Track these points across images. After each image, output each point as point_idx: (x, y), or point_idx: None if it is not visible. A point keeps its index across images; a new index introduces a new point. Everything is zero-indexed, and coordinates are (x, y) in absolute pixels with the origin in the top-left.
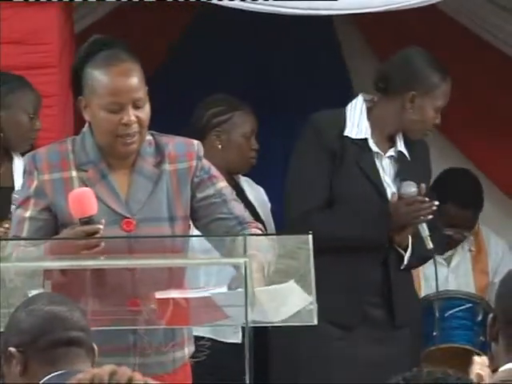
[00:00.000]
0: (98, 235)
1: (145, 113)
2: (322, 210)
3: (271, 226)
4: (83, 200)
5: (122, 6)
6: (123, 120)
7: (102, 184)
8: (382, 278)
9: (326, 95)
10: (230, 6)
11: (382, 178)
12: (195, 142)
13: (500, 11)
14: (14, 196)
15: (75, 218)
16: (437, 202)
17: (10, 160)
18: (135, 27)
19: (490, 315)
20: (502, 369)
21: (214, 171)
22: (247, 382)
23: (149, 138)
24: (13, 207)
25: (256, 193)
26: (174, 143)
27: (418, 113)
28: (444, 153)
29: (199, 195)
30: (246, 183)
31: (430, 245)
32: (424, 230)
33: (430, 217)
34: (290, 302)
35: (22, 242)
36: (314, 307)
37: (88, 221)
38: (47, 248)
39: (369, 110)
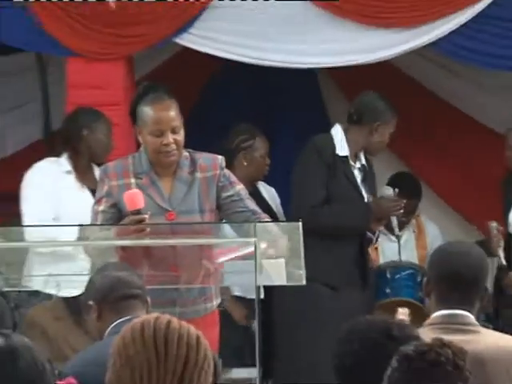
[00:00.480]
0: (144, 223)
1: (180, 136)
2: (322, 205)
3: (282, 215)
4: (134, 198)
5: (164, 63)
6: (164, 142)
7: (152, 187)
8: (359, 254)
9: (309, 125)
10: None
11: (358, 183)
12: (219, 157)
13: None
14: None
15: (128, 211)
16: (404, 201)
17: (91, 169)
18: (176, 75)
19: (425, 278)
20: (432, 316)
21: (233, 178)
22: (256, 325)
23: (186, 154)
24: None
25: (269, 192)
26: (203, 158)
27: (380, 137)
28: (391, 163)
29: (223, 195)
30: (262, 186)
31: (397, 231)
32: (394, 220)
33: (401, 211)
34: (282, 272)
35: (97, 228)
36: (303, 272)
37: (137, 212)
38: (113, 232)
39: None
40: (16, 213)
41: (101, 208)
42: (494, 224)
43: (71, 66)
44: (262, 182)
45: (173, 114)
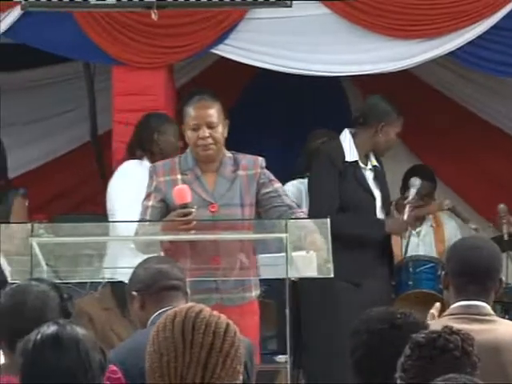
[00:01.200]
0: (191, 216)
1: (217, 132)
2: (337, 213)
3: None
4: (182, 192)
5: (202, 72)
6: (200, 135)
7: (197, 182)
8: (383, 248)
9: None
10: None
11: (370, 184)
12: (260, 158)
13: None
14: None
15: (176, 204)
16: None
17: None
18: (214, 83)
19: (443, 272)
20: (451, 307)
21: (272, 176)
22: (287, 316)
23: (229, 155)
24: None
25: None
26: (245, 158)
27: (385, 137)
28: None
29: (262, 191)
30: None
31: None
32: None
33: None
34: (313, 265)
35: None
36: (331, 266)
37: (185, 206)
38: (161, 226)
39: (353, 139)
40: (63, 210)
41: (150, 203)
42: (502, 205)
43: (116, 74)
44: None
45: (210, 111)
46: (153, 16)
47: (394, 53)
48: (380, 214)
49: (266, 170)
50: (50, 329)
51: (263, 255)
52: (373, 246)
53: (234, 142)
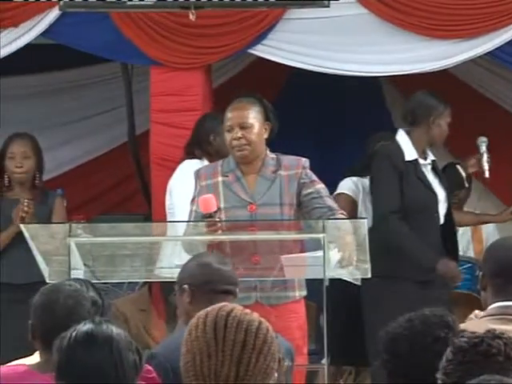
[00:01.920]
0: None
1: (250, 133)
2: (399, 216)
3: None
4: (206, 202)
5: (240, 72)
6: (233, 136)
7: (237, 183)
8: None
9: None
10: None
11: (430, 181)
12: (303, 158)
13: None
14: None
15: (202, 213)
16: None
17: None
18: (251, 83)
19: (481, 272)
20: (489, 308)
21: (314, 177)
22: (324, 316)
23: (273, 155)
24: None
25: None
26: (288, 159)
27: (438, 129)
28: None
29: (304, 192)
30: None
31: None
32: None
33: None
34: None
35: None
36: (369, 266)
37: (209, 216)
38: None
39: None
40: (100, 210)
41: (194, 208)
42: (483, 138)
43: (154, 74)
44: None
45: (245, 112)
46: (190, 16)
47: (432, 53)
48: (442, 209)
49: (308, 171)
50: (84, 327)
51: (300, 254)
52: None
53: (270, 143)
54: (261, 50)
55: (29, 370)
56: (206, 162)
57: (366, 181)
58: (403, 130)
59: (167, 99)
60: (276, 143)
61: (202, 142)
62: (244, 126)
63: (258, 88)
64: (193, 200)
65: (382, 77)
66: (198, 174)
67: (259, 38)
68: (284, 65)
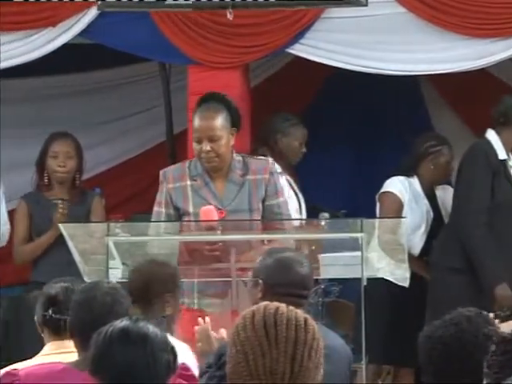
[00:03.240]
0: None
1: (218, 145)
2: (483, 219)
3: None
4: (208, 214)
5: (277, 71)
6: (202, 149)
7: (206, 188)
8: None
9: (413, 130)
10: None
11: None
12: (270, 161)
13: None
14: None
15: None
16: None
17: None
18: (289, 82)
19: None
20: None
21: (279, 187)
22: (362, 315)
23: (239, 158)
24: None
25: (447, 194)
26: (255, 162)
27: None
28: None
29: (266, 202)
30: (441, 188)
31: None
32: None
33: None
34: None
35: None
36: (406, 265)
37: (210, 228)
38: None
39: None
40: (138, 210)
41: (163, 210)
42: None
43: (192, 73)
44: (444, 185)
45: (213, 123)
46: (228, 16)
47: (470, 52)
48: None
49: (275, 177)
50: (121, 323)
51: (338, 254)
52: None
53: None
54: (298, 50)
55: (67, 368)
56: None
57: (414, 181)
58: (493, 130)
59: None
60: (314, 143)
61: (269, 140)
62: (212, 139)
63: (296, 87)
64: (160, 203)
65: (420, 76)
66: (165, 176)
67: (297, 37)
68: (322, 64)
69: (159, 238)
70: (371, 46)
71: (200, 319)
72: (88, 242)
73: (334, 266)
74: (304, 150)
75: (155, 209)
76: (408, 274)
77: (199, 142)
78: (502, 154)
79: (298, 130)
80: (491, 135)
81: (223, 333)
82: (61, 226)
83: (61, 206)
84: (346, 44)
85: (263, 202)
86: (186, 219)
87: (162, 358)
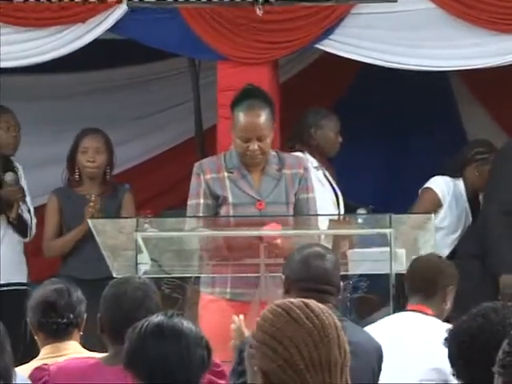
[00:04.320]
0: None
1: (265, 143)
2: (508, 212)
3: None
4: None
5: (306, 67)
6: (249, 148)
7: (243, 180)
8: None
9: (441, 126)
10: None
11: None
12: (303, 158)
13: None
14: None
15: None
16: None
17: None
18: (322, 76)
19: None
20: None
21: (311, 184)
22: (391, 309)
23: (274, 153)
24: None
25: None
26: (290, 157)
27: None
28: None
29: (298, 195)
30: None
31: None
32: None
33: None
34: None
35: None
36: None
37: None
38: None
39: None
40: (167, 205)
41: (201, 201)
42: None
43: (221, 69)
44: None
45: (261, 122)
46: (258, 12)
47: (499, 47)
48: None
49: (308, 174)
50: (156, 318)
51: (366, 249)
52: None
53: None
54: (328, 45)
55: (98, 362)
56: (307, 155)
57: (459, 183)
58: None
59: (234, 94)
60: (344, 139)
61: (304, 136)
62: (261, 139)
63: (325, 84)
64: (198, 194)
65: (449, 71)
66: (201, 168)
67: (326, 33)
68: (352, 60)
69: (187, 234)
70: (400, 41)
71: (234, 316)
72: (117, 238)
73: (363, 262)
74: (340, 139)
75: (191, 202)
76: None
77: (247, 141)
78: None
79: (331, 121)
80: None
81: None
82: (89, 221)
83: (92, 200)
84: (375, 40)
85: (295, 194)
86: (224, 208)
87: (195, 353)
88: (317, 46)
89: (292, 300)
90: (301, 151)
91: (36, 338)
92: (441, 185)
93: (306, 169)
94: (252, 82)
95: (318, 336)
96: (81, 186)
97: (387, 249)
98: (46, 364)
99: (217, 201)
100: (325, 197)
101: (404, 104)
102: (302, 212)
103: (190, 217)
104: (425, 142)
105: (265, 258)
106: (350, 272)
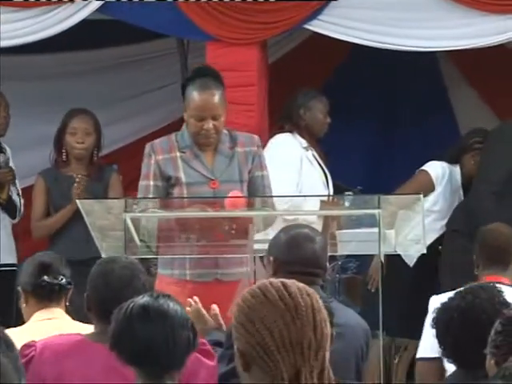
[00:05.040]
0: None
1: (220, 122)
2: (496, 192)
3: None
4: (235, 204)
5: (295, 48)
6: (204, 127)
7: (196, 160)
8: None
9: (430, 108)
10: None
11: None
12: (256, 136)
13: None
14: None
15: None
16: None
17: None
18: (307, 58)
19: None
20: None
21: (264, 161)
22: (380, 292)
23: (225, 132)
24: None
25: None
26: (242, 135)
27: None
28: None
29: (252, 173)
30: None
31: None
32: None
33: None
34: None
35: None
36: (423, 242)
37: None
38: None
39: None
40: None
41: (151, 182)
42: None
43: (209, 50)
44: None
45: (215, 102)
46: None
47: (489, 27)
48: None
49: (261, 151)
50: (142, 300)
51: (355, 230)
52: None
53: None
54: (317, 26)
55: (84, 339)
56: (297, 136)
57: (456, 169)
58: None
59: (223, 75)
60: (332, 119)
61: (293, 117)
62: (215, 118)
63: (314, 64)
64: (147, 175)
65: (439, 52)
66: (152, 148)
67: (315, 13)
68: (341, 41)
69: (178, 215)
70: (389, 22)
71: (190, 299)
72: (105, 218)
73: (351, 243)
74: (329, 120)
75: (141, 183)
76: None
77: (201, 120)
78: None
79: (320, 102)
80: None
81: (216, 309)
82: (78, 202)
83: (77, 181)
84: (364, 20)
85: (249, 172)
86: (177, 189)
87: (181, 334)
88: (306, 26)
89: (272, 280)
90: (290, 131)
91: (25, 307)
92: (437, 169)
93: (258, 146)
94: (241, 62)
95: (289, 317)
96: (67, 166)
97: (376, 229)
98: (33, 340)
99: (168, 182)
100: (314, 177)
101: (394, 84)
102: (257, 189)
103: (180, 198)
104: (414, 122)
105: (241, 235)
106: (339, 253)
